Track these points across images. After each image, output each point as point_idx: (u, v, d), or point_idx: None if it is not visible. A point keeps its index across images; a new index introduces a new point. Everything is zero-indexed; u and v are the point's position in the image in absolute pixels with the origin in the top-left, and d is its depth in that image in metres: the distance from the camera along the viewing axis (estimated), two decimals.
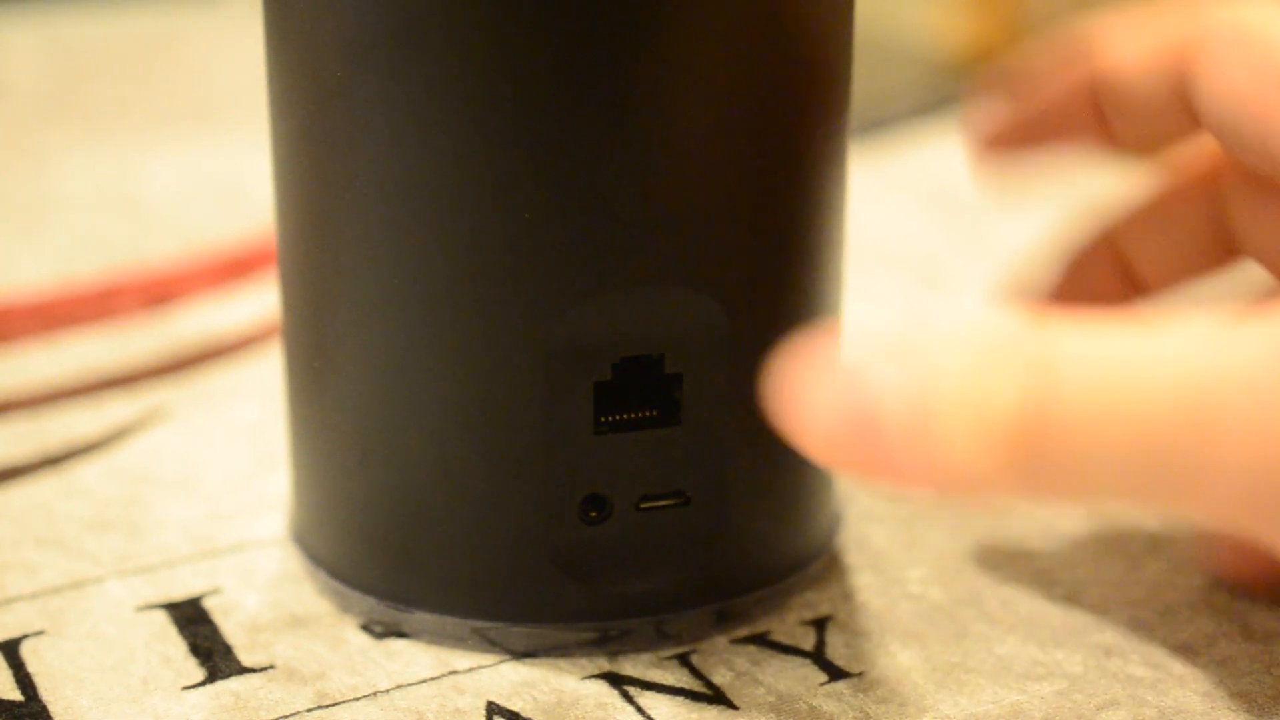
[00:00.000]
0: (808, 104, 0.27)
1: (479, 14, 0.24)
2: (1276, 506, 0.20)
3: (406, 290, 0.26)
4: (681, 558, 0.28)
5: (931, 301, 0.43)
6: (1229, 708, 0.27)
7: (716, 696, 0.27)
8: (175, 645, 0.28)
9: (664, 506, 0.27)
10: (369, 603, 0.29)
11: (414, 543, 0.28)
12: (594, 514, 0.27)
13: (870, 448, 0.21)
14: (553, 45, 0.25)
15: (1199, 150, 0.30)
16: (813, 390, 0.22)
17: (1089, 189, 0.43)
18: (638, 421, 0.27)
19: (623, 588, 0.27)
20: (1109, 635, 0.29)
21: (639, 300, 0.26)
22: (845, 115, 0.28)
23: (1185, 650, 0.28)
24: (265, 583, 0.30)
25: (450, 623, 0.28)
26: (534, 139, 0.25)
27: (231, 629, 0.29)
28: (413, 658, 0.28)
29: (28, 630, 0.29)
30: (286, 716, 0.27)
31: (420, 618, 0.28)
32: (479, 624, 0.28)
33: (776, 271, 0.27)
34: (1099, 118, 0.29)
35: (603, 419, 0.27)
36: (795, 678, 0.28)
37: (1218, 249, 0.30)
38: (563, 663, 0.28)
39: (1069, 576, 0.30)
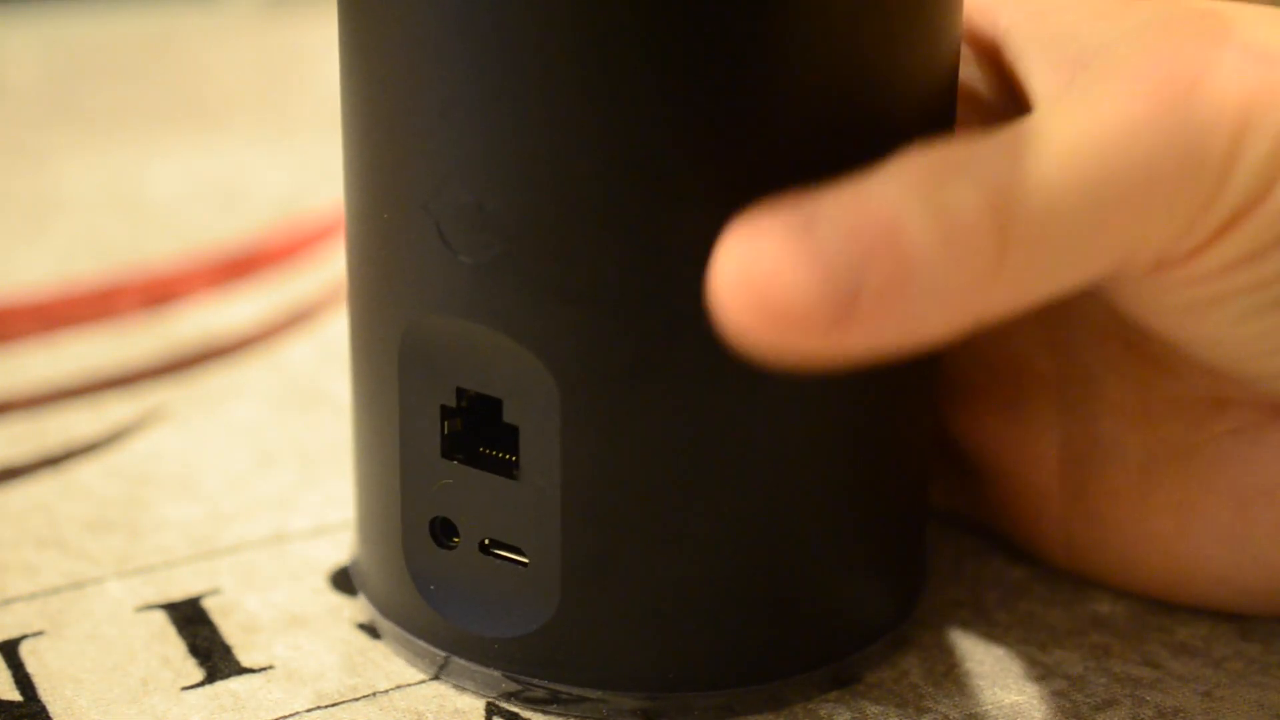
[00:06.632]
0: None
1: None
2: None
3: (352, 275, 0.27)
4: (524, 622, 0.26)
5: None
6: (1228, 708, 0.27)
7: None
8: (174, 646, 0.28)
9: (508, 559, 0.26)
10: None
11: (361, 530, 0.29)
12: (455, 540, 0.26)
13: (845, 309, 0.21)
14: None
15: None
16: (770, 269, 0.21)
17: None
18: (482, 460, 0.26)
19: (471, 627, 0.26)
20: (1108, 635, 0.29)
21: (478, 337, 0.25)
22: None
23: (1184, 650, 0.28)
24: (264, 583, 0.30)
25: (368, 610, 0.29)
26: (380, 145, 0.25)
27: (230, 629, 0.29)
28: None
29: (27, 630, 0.29)
30: (285, 717, 0.27)
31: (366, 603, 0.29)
32: (394, 628, 0.28)
33: (623, 355, 0.24)
34: None
35: (448, 444, 0.26)
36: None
37: None
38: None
39: (1069, 577, 0.30)
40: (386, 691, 0.27)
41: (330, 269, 0.45)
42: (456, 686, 0.27)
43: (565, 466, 0.25)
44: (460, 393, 0.25)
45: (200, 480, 0.34)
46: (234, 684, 0.27)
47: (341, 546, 0.31)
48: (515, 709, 0.26)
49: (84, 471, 0.34)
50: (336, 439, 0.35)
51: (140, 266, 0.44)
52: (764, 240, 0.21)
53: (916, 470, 0.28)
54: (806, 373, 0.23)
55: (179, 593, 0.30)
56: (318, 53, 0.64)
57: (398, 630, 0.28)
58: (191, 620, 0.29)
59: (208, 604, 0.30)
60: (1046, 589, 0.30)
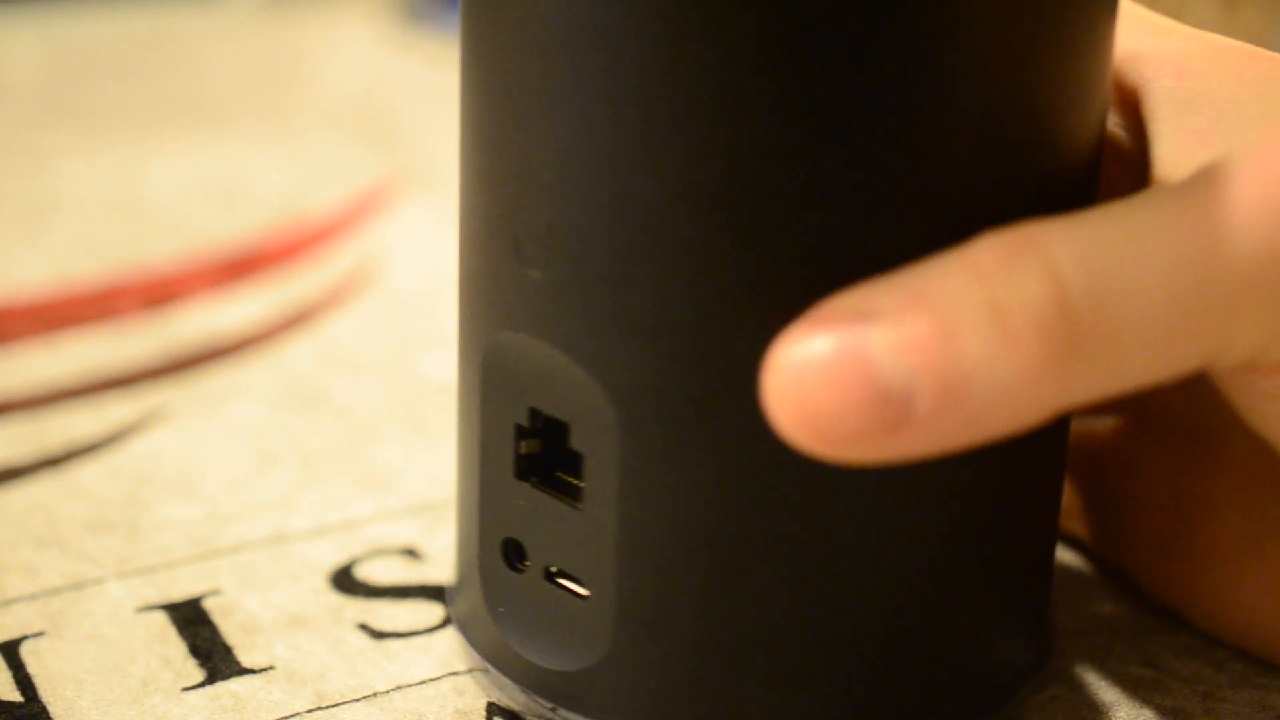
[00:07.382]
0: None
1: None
2: None
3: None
4: (577, 657, 0.25)
5: None
6: (1229, 710, 0.27)
7: None
8: (175, 646, 0.28)
9: (569, 590, 0.25)
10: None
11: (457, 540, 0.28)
12: (525, 564, 0.26)
13: (899, 420, 0.21)
14: None
15: None
16: (818, 386, 0.21)
17: None
18: (554, 483, 0.25)
19: (527, 654, 0.26)
20: (1110, 636, 0.29)
21: (551, 358, 0.24)
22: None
23: (1186, 651, 0.28)
24: (264, 583, 0.30)
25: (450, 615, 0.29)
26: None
27: (231, 630, 0.29)
28: (412, 658, 0.28)
29: (27, 631, 0.29)
30: (286, 718, 0.27)
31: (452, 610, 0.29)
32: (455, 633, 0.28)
33: (686, 392, 0.23)
34: None
35: (522, 465, 0.25)
36: None
37: None
38: None
39: (1070, 578, 0.30)
40: (387, 692, 0.27)
41: (330, 269, 0.45)
42: (494, 700, 0.27)
43: (622, 501, 0.24)
44: (534, 413, 0.25)
45: (200, 480, 0.34)
46: (234, 684, 0.27)
47: (341, 546, 0.31)
48: None
49: (84, 472, 0.34)
50: (336, 439, 0.35)
51: (140, 266, 0.44)
52: (814, 352, 0.21)
53: (1032, 532, 0.26)
54: None
55: (179, 593, 0.30)
56: (318, 53, 0.64)
57: (464, 642, 0.28)
58: (192, 621, 0.29)
59: (208, 604, 0.30)
60: None
